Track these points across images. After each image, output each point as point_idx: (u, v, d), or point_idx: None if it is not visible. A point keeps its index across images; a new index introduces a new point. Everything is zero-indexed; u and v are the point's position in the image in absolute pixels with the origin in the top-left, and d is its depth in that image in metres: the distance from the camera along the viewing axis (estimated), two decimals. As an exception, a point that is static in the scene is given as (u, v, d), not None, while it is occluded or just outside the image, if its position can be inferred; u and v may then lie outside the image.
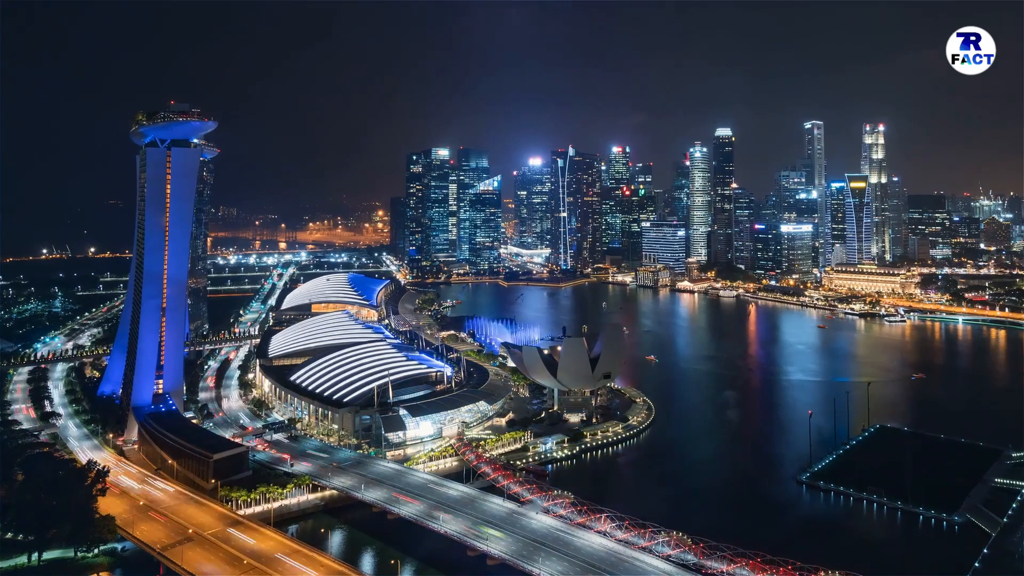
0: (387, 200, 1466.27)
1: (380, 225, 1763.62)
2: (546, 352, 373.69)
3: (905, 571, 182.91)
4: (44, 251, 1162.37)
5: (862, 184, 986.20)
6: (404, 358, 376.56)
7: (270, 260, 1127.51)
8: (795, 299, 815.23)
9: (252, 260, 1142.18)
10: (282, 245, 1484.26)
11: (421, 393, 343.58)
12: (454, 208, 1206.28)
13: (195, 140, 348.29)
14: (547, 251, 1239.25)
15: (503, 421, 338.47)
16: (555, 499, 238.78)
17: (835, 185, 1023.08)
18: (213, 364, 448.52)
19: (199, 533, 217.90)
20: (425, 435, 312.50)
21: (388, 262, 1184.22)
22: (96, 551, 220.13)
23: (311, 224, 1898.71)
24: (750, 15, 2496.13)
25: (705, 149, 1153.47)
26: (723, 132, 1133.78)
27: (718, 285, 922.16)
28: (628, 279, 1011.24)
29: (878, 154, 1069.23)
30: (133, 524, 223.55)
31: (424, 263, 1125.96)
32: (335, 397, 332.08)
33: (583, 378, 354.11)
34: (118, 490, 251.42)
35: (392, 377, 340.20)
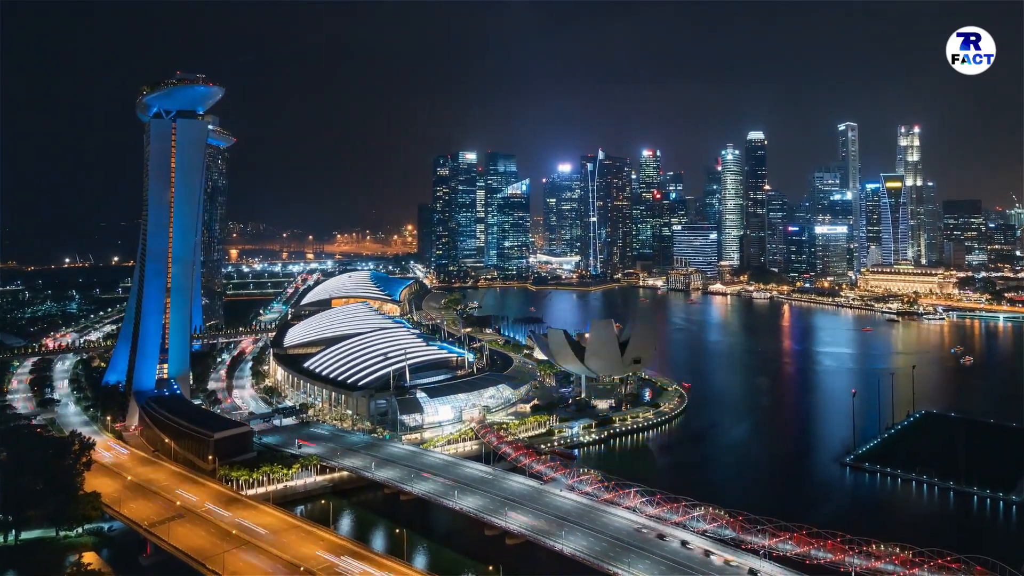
0: (415, 213, 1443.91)
1: (409, 239, 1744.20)
2: (574, 337, 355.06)
3: (962, 548, 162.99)
4: (67, 260, 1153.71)
5: (898, 184, 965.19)
6: (423, 343, 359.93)
7: (295, 268, 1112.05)
8: (830, 300, 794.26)
9: (277, 268, 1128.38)
10: (309, 256, 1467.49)
11: (441, 378, 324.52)
12: (482, 214, 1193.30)
13: (203, 112, 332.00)
14: (576, 258, 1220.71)
15: (527, 407, 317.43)
16: (580, 477, 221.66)
17: (870, 186, 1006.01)
18: (226, 357, 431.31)
19: (191, 510, 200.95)
20: (444, 419, 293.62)
21: (415, 270, 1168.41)
22: (80, 530, 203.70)
23: (339, 236, 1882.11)
24: (779, 20, 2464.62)
25: (737, 152, 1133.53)
26: (755, 135, 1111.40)
27: (751, 288, 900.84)
28: (659, 283, 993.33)
29: (913, 156, 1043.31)
30: (121, 502, 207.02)
31: (451, 268, 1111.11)
32: (349, 381, 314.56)
33: (612, 363, 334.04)
34: (109, 472, 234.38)
35: (410, 361, 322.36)
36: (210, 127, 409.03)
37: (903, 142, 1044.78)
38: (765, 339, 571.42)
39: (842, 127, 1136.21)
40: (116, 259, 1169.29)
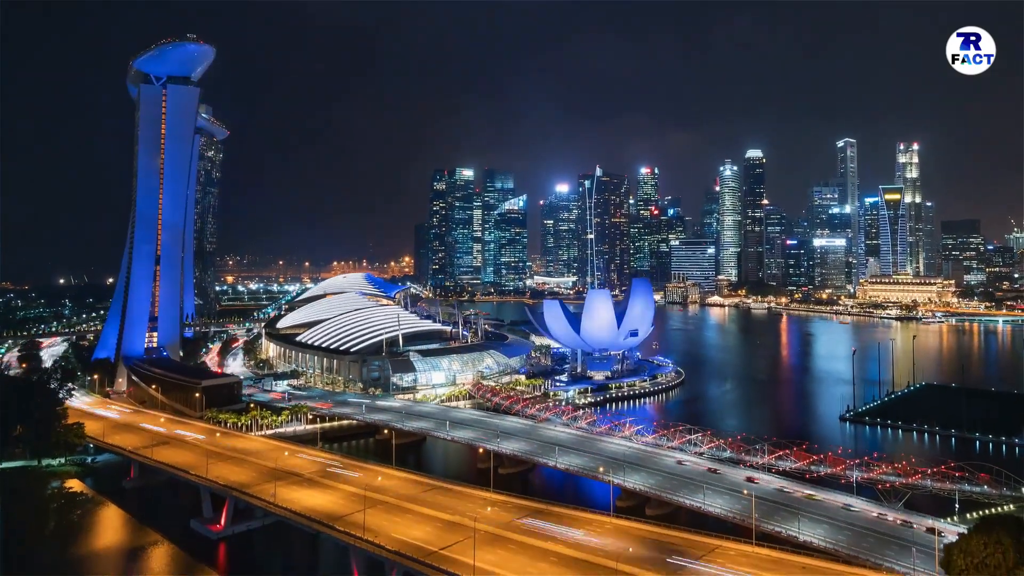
0: (412, 243, 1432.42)
1: (407, 269, 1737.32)
2: (571, 309, 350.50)
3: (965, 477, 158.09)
4: (61, 280, 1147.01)
5: (897, 196, 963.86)
6: (417, 318, 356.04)
7: (291, 288, 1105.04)
8: (828, 308, 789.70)
9: (274, 287, 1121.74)
10: (306, 280, 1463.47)
11: (434, 346, 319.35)
12: (479, 233, 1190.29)
13: (195, 79, 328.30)
14: (573, 278, 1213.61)
15: (522, 377, 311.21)
16: (575, 413, 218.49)
17: (869, 200, 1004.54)
18: (217, 343, 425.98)
19: (177, 439, 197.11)
20: (437, 383, 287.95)
21: (413, 289, 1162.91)
22: (62, 460, 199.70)
23: (336, 264, 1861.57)
24: (778, 37, 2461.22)
25: (735, 168, 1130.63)
26: (753, 153, 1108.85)
27: (749, 300, 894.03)
28: (657, 297, 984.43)
29: (912, 173, 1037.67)
30: (106, 436, 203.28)
31: (448, 283, 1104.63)
32: (342, 348, 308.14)
33: (608, 334, 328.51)
34: (95, 417, 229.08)
35: (404, 330, 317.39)
36: (204, 116, 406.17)
37: (902, 159, 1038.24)
38: (762, 336, 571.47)
39: (841, 143, 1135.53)
40: (111, 280, 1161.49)
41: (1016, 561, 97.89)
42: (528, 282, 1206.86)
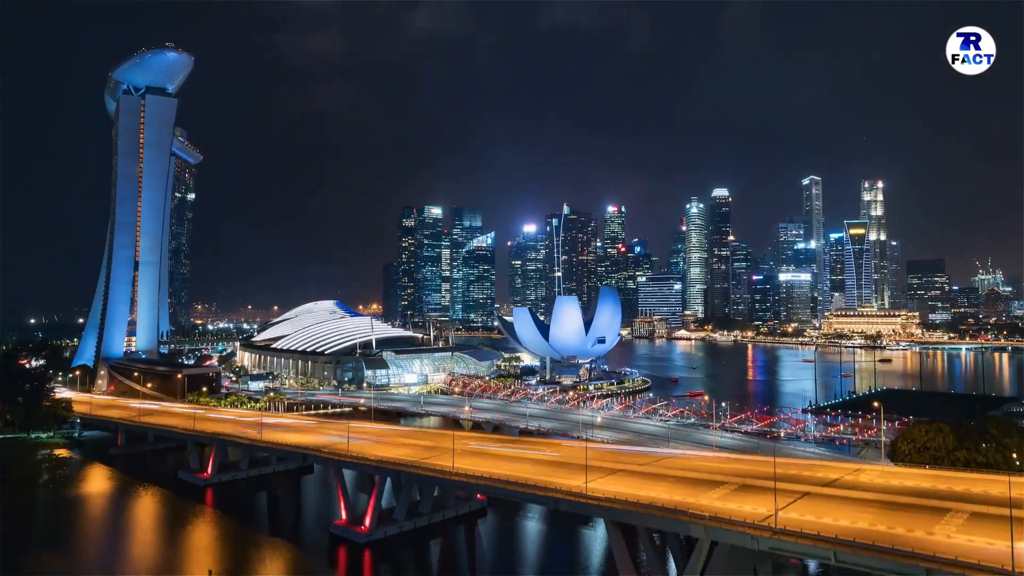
0: (382, 287, 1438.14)
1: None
2: (540, 317, 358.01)
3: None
4: (32, 320, 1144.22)
5: (861, 231, 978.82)
6: (389, 327, 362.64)
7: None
8: (794, 340, 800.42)
9: (245, 326, 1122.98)
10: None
11: (407, 348, 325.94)
12: (447, 272, 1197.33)
13: (173, 91, 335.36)
14: (541, 318, 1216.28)
15: (493, 380, 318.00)
16: (544, 394, 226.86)
17: (834, 236, 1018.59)
18: (193, 360, 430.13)
19: (162, 411, 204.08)
20: (409, 382, 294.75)
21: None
22: (51, 433, 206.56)
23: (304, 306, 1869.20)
24: (743, 74, 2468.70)
25: (701, 205, 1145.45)
26: (719, 192, 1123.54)
27: (715, 334, 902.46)
28: (623, 332, 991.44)
29: (877, 211, 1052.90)
30: (92, 412, 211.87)
31: (416, 319, 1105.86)
32: (316, 351, 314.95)
33: (576, 340, 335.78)
34: (82, 403, 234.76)
35: (376, 335, 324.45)
36: (180, 139, 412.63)
37: (867, 196, 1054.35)
38: (728, 357, 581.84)
39: (806, 181, 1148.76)
40: (81, 320, 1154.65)
41: (955, 445, 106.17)
42: (496, 323, 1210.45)
